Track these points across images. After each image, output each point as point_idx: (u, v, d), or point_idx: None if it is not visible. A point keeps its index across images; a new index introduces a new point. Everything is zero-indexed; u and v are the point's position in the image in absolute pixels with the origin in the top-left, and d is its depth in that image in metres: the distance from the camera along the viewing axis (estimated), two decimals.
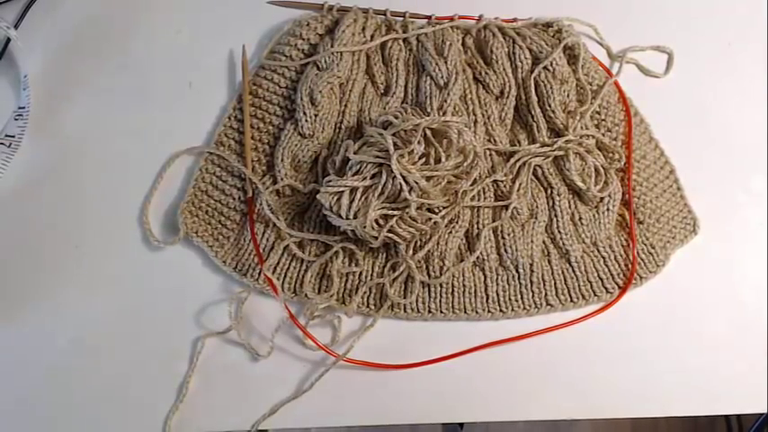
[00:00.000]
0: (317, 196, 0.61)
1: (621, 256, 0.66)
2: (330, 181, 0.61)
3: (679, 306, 0.66)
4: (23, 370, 0.61)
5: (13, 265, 0.64)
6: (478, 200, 0.66)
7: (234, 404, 0.61)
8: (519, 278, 0.64)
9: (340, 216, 0.60)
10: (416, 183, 0.59)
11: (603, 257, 0.66)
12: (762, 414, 0.99)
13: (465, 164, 0.62)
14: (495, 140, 0.68)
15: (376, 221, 0.60)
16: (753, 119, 0.72)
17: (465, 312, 0.64)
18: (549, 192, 0.67)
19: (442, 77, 0.68)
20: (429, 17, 0.71)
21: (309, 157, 0.66)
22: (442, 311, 0.64)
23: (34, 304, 0.63)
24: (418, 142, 0.60)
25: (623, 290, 0.65)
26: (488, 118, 0.68)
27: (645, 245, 0.66)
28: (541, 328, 0.64)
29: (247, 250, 0.64)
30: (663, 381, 0.63)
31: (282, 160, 0.65)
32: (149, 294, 0.63)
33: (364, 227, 0.59)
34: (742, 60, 0.74)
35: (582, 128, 0.68)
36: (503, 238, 0.65)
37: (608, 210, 0.66)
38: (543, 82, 0.68)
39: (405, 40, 0.70)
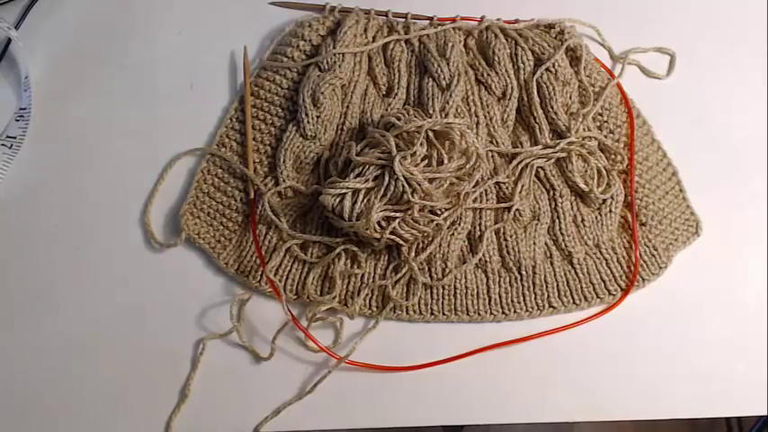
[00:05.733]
0: (320, 198, 0.61)
1: (624, 257, 0.66)
2: (332, 182, 0.61)
3: (681, 308, 0.66)
4: (25, 371, 0.61)
5: (14, 267, 0.64)
6: (481, 202, 0.66)
7: (235, 406, 0.61)
8: (521, 280, 0.64)
9: (342, 218, 0.60)
10: (419, 185, 0.59)
11: (606, 259, 0.66)
12: (762, 416, 0.99)
13: (467, 166, 0.62)
14: (497, 142, 0.68)
15: (378, 223, 0.60)
16: (755, 120, 0.72)
17: (467, 314, 0.64)
18: (551, 193, 0.67)
19: (444, 79, 0.67)
20: (431, 18, 0.71)
21: (311, 159, 0.66)
22: (444, 313, 0.63)
23: (35, 306, 0.63)
24: (421, 144, 0.60)
25: (626, 292, 0.65)
26: (491, 119, 0.68)
27: (647, 246, 0.66)
28: (544, 330, 0.64)
29: (249, 252, 0.64)
30: (664, 383, 0.63)
31: (284, 162, 0.65)
32: (151, 296, 0.63)
33: (367, 229, 0.59)
34: (744, 61, 0.74)
35: (584, 129, 0.68)
36: (505, 240, 0.65)
37: (610, 211, 0.66)
38: (545, 83, 0.68)
39: (407, 41, 0.70)
